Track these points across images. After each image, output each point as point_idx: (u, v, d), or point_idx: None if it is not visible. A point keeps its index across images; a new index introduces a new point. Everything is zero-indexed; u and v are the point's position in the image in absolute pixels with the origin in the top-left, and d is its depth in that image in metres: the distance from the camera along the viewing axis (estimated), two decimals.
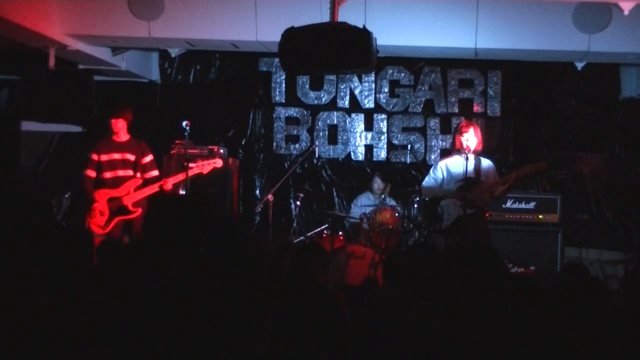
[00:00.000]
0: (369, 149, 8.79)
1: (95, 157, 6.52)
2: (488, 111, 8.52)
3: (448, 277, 2.85)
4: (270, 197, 7.39)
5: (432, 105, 8.63)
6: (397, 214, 7.14)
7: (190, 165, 6.51)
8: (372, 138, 8.76)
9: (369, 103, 8.74)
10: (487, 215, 6.16)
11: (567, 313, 3.12)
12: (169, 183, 6.46)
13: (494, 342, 2.68)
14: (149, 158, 6.62)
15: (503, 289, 2.80)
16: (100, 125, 7.37)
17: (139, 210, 6.44)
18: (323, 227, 7.54)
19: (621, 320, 3.08)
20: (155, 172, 6.70)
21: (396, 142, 8.71)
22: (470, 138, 5.90)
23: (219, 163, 6.77)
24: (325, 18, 5.56)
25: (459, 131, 5.97)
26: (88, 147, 6.92)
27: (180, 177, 6.54)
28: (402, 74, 8.66)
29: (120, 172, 6.51)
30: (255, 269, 2.94)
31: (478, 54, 6.94)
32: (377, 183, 7.85)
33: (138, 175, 6.53)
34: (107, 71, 8.19)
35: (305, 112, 8.84)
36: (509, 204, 7.35)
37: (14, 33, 6.43)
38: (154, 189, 6.45)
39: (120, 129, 6.53)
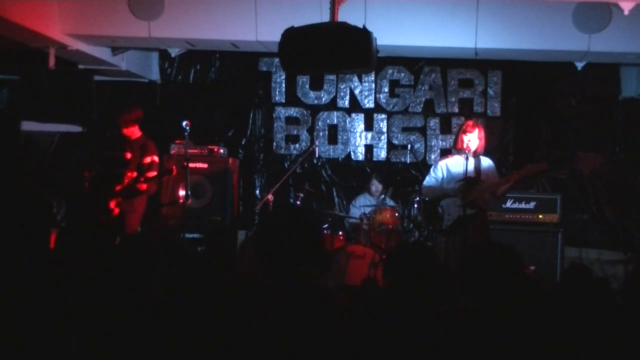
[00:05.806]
0: (369, 149, 8.78)
1: (95, 154, 6.50)
2: (488, 111, 8.51)
3: (471, 277, 2.81)
4: (270, 197, 7.38)
5: (432, 105, 8.62)
6: (397, 214, 7.13)
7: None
8: (372, 138, 8.75)
9: (369, 103, 8.73)
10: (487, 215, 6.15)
11: (569, 313, 3.12)
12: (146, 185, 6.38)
13: (495, 342, 2.68)
14: (149, 159, 6.54)
15: (517, 289, 2.77)
16: (100, 125, 7.38)
17: (117, 211, 6.34)
18: (323, 227, 7.53)
19: (623, 320, 3.08)
20: (153, 173, 6.53)
21: (396, 142, 8.70)
22: (473, 139, 5.86)
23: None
24: (325, 18, 5.55)
25: (463, 130, 5.92)
26: (92, 143, 6.90)
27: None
28: (402, 74, 8.65)
29: (116, 170, 6.47)
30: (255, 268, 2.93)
31: (478, 54, 6.93)
32: (375, 185, 7.83)
33: (129, 174, 6.45)
34: (107, 71, 8.18)
35: (305, 112, 8.83)
36: (509, 204, 7.34)
37: (14, 33, 6.42)
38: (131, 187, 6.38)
39: (132, 133, 6.51)
